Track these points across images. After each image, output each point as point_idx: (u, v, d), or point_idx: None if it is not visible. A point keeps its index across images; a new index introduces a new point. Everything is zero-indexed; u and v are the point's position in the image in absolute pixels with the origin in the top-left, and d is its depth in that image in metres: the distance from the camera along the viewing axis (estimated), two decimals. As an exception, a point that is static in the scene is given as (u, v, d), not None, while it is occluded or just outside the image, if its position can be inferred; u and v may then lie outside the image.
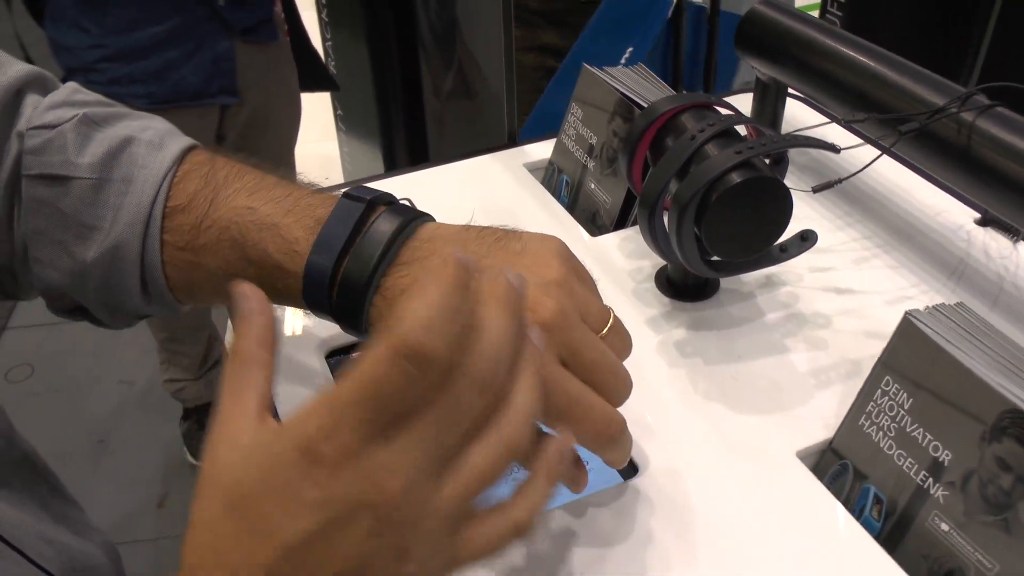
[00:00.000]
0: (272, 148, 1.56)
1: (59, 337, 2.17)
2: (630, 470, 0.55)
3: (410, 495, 0.32)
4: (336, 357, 0.66)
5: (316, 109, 2.25)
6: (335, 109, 2.53)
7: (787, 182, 0.57)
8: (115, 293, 0.52)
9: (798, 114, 0.88)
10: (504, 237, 0.47)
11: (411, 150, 1.77)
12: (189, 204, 0.51)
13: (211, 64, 1.36)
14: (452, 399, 0.33)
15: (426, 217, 0.49)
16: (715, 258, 0.60)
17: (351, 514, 0.32)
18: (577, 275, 0.46)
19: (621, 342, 0.47)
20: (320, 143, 2.75)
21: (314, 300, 0.47)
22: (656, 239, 0.60)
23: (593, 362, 0.44)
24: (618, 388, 0.45)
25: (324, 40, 2.38)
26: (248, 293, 0.37)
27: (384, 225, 0.46)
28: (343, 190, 0.49)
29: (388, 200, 0.50)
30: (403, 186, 0.83)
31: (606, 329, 0.45)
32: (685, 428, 0.57)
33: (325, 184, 0.85)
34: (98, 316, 0.55)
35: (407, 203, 0.52)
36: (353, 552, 0.32)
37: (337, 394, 0.33)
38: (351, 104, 2.35)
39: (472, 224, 0.48)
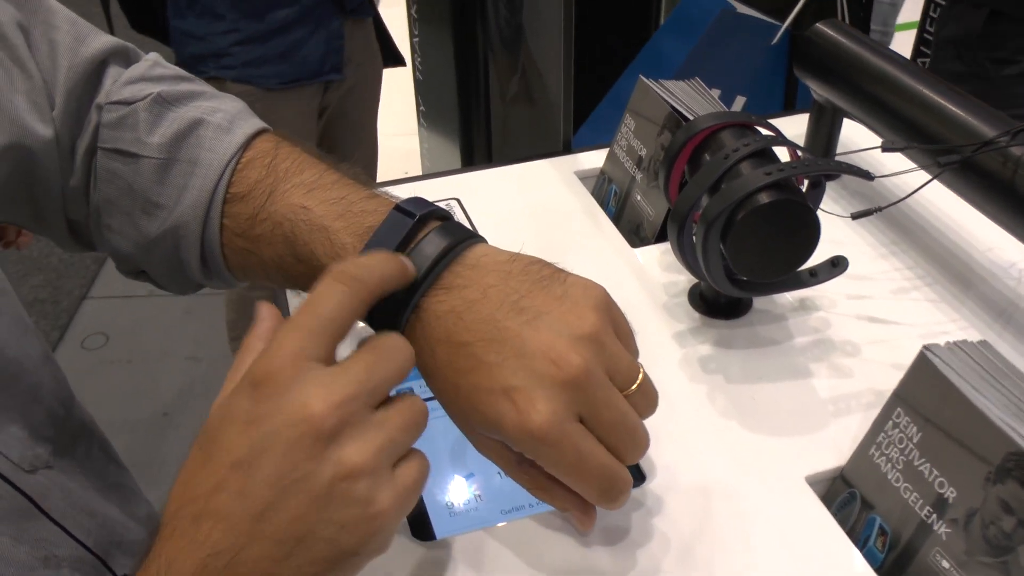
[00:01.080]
0: (362, 120, 1.68)
1: (134, 310, 2.29)
2: (636, 478, 0.57)
3: (343, 412, 0.37)
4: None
5: (399, 104, 2.31)
6: (418, 105, 2.59)
7: (834, 206, 0.58)
8: (176, 266, 0.56)
9: (854, 138, 0.88)
10: (549, 278, 0.47)
11: (486, 150, 1.82)
12: (249, 193, 0.53)
13: (325, 43, 1.47)
14: (383, 350, 0.40)
15: (475, 239, 0.49)
16: (741, 277, 0.61)
17: (289, 426, 0.36)
18: (615, 327, 0.46)
19: (646, 401, 0.47)
20: (402, 137, 2.82)
21: None
22: (684, 254, 0.62)
23: (611, 423, 0.45)
24: (633, 449, 0.46)
25: (412, 36, 2.45)
26: (263, 311, 0.46)
27: (430, 246, 0.46)
28: (399, 199, 0.50)
29: (442, 215, 0.49)
30: (457, 186, 0.86)
31: (633, 387, 0.46)
32: (697, 442, 0.59)
33: (403, 177, 0.89)
34: (160, 283, 0.59)
35: (453, 204, 0.54)
36: (297, 462, 0.36)
37: (283, 323, 0.40)
38: (433, 100, 2.40)
39: (521, 254, 0.48)
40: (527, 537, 0.54)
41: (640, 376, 0.46)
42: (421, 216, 0.48)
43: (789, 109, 1.80)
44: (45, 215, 0.57)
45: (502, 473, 0.58)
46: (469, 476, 0.59)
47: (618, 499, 0.46)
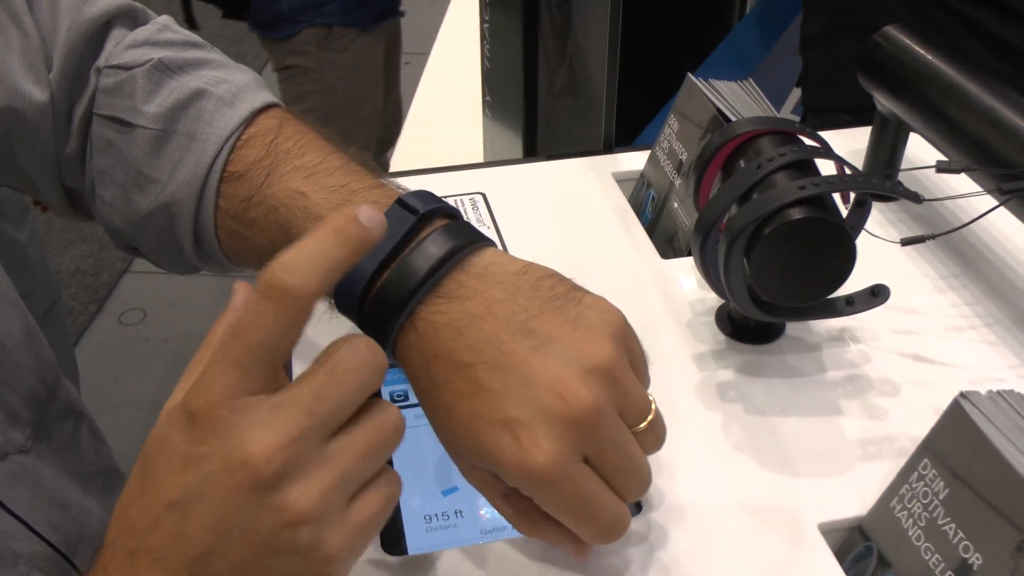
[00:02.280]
0: (396, 63, 1.94)
1: (175, 287, 2.34)
2: (634, 507, 0.55)
3: (286, 455, 0.35)
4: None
5: (464, 93, 2.31)
6: (484, 94, 2.59)
7: (889, 230, 0.55)
8: (170, 245, 0.56)
9: (921, 155, 0.84)
10: (563, 297, 0.44)
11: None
12: (246, 173, 0.51)
13: None
14: (339, 367, 0.36)
15: (484, 242, 0.46)
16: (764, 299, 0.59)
17: (226, 473, 0.34)
18: (630, 357, 0.44)
19: (654, 439, 0.46)
20: (466, 128, 2.83)
21: (344, 308, 0.47)
22: (707, 268, 0.60)
23: (617, 465, 0.43)
24: (636, 490, 0.45)
25: (483, 21, 2.45)
26: (238, 290, 0.41)
27: (433, 247, 0.44)
28: (405, 191, 0.48)
29: (449, 213, 0.47)
30: (484, 180, 0.85)
31: (643, 424, 0.44)
32: (704, 475, 0.57)
33: (431, 167, 0.88)
34: (154, 261, 0.59)
35: (478, 199, 0.51)
36: (236, 509, 0.35)
37: (214, 348, 0.36)
38: (499, 90, 2.40)
39: (534, 264, 0.46)
40: (508, 561, 0.52)
41: (652, 414, 0.45)
42: (425, 213, 0.45)
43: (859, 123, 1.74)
44: (38, 181, 0.57)
45: (488, 491, 0.57)
46: (452, 490, 0.58)
47: (615, 538, 0.45)
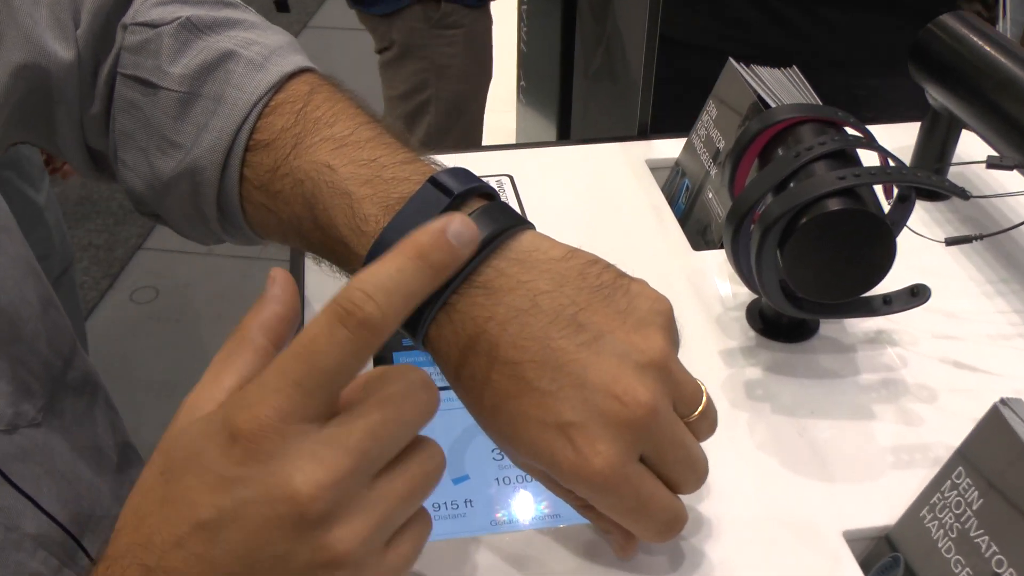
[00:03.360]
0: None
1: (190, 266, 2.37)
2: None
3: (335, 494, 0.34)
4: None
5: (499, 78, 2.32)
6: (519, 80, 2.59)
7: (934, 229, 0.55)
8: (193, 213, 0.55)
9: (971, 151, 0.83)
10: (611, 286, 0.44)
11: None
12: (273, 142, 0.51)
13: None
14: (394, 405, 0.36)
15: (524, 225, 0.45)
16: (798, 294, 0.59)
17: (268, 503, 0.34)
18: (675, 347, 0.45)
19: (708, 426, 0.46)
20: (499, 114, 2.84)
21: None
22: (739, 260, 0.60)
23: (675, 460, 0.43)
24: (694, 481, 0.45)
25: (520, 3, 2.45)
26: (276, 278, 0.41)
27: None
28: (440, 167, 0.47)
29: (486, 193, 0.46)
30: (512, 162, 0.86)
31: (696, 412, 0.45)
32: (726, 476, 0.57)
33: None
34: (177, 229, 0.59)
35: (505, 181, 0.50)
36: (272, 541, 0.34)
37: (272, 365, 0.35)
38: (534, 75, 2.40)
39: (578, 250, 0.45)
40: (517, 553, 0.53)
41: (704, 400, 0.45)
42: (460, 193, 0.44)
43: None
44: (62, 141, 0.57)
45: (502, 481, 0.57)
46: (463, 479, 0.58)
47: (673, 536, 0.46)
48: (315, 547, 0.34)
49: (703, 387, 0.45)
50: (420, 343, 0.45)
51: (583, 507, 0.47)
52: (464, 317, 0.43)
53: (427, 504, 0.55)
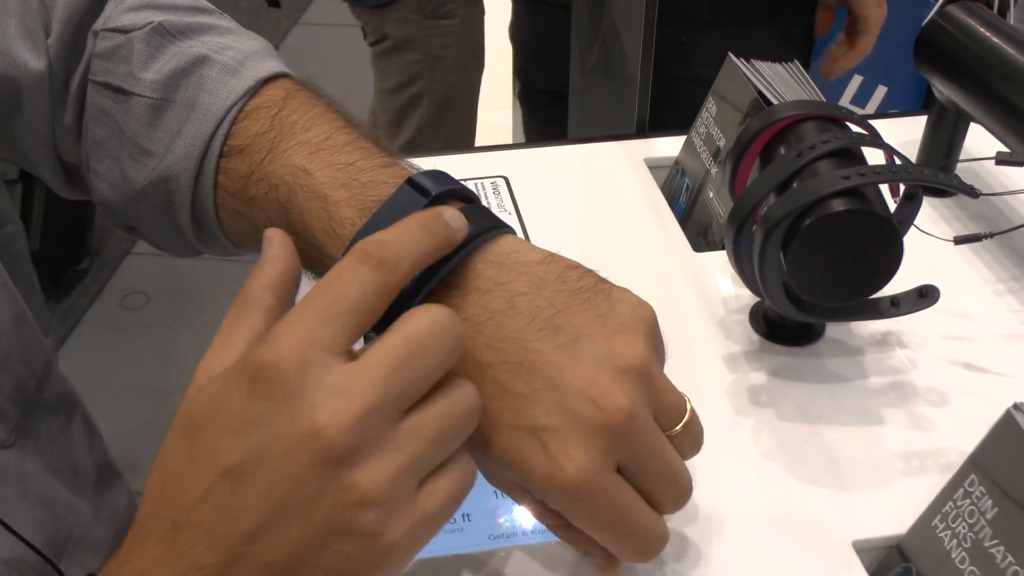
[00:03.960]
0: None
1: (181, 271, 2.37)
2: None
3: (360, 429, 0.34)
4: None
5: (496, 73, 2.32)
6: (515, 76, 2.59)
7: (943, 227, 0.54)
8: (167, 224, 0.55)
9: (981, 147, 0.83)
10: (591, 290, 0.44)
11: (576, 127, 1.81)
12: (247, 147, 0.51)
13: None
14: (420, 339, 0.36)
15: (502, 229, 0.45)
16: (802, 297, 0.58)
17: (292, 440, 0.34)
18: (658, 355, 0.44)
19: (692, 441, 0.45)
20: (495, 110, 2.83)
21: None
22: (740, 262, 0.60)
23: (654, 473, 0.42)
24: (675, 500, 0.44)
25: (514, -3, 2.45)
26: (274, 238, 0.41)
27: None
28: (418, 171, 0.47)
29: (464, 195, 0.46)
30: (508, 163, 0.85)
31: (679, 427, 0.43)
32: (731, 484, 0.56)
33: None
34: (152, 242, 0.59)
35: (500, 183, 0.50)
36: (298, 482, 0.34)
37: (291, 308, 0.36)
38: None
39: (557, 255, 0.45)
40: (517, 569, 0.52)
41: (688, 414, 0.44)
42: (437, 195, 0.44)
43: (926, 108, 1.73)
44: (33, 154, 0.57)
45: (499, 494, 0.57)
46: (460, 492, 0.58)
47: (651, 557, 0.44)
48: (342, 486, 0.34)
49: (688, 401, 0.44)
50: None
51: (559, 525, 0.46)
52: None
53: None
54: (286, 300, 0.40)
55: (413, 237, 0.39)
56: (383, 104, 1.82)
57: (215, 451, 0.35)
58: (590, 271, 0.45)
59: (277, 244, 0.41)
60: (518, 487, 0.44)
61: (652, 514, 0.43)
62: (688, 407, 0.44)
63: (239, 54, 0.53)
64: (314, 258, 0.47)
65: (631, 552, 0.44)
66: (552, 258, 0.45)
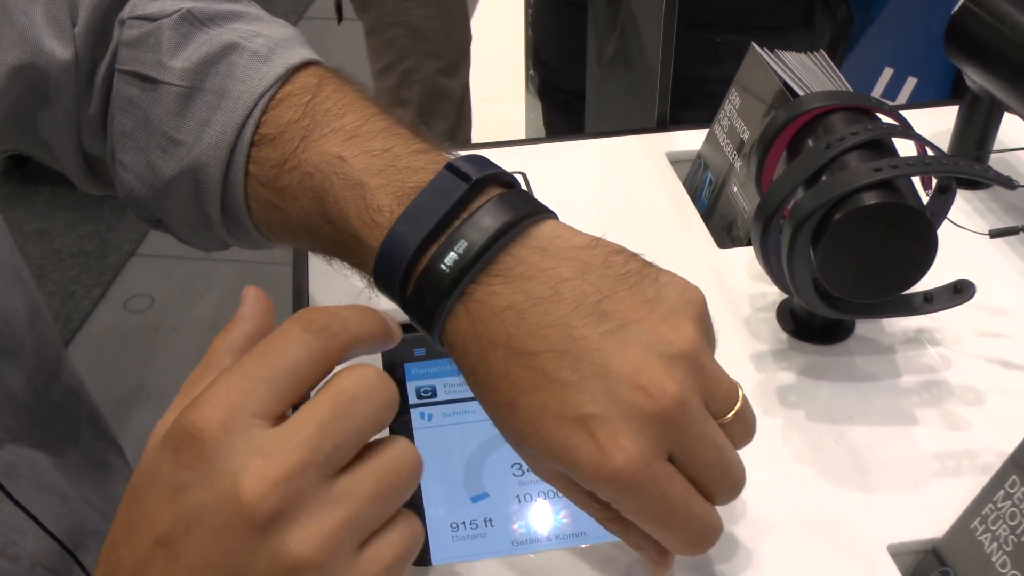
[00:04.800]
0: None
1: (186, 273, 2.37)
2: None
3: (286, 491, 0.33)
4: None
5: (505, 65, 2.32)
6: (527, 68, 2.59)
7: (977, 220, 0.54)
8: (195, 216, 0.55)
9: (1015, 137, 0.83)
10: (637, 274, 0.44)
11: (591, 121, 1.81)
12: (279, 135, 0.51)
13: None
14: (347, 398, 0.36)
15: (545, 214, 0.45)
16: (832, 293, 0.58)
17: (217, 507, 0.33)
18: (708, 341, 0.44)
19: (744, 429, 0.45)
20: (505, 104, 2.84)
21: (386, 286, 0.46)
22: (768, 258, 0.60)
23: (706, 462, 0.42)
24: (728, 490, 0.44)
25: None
26: (248, 296, 0.41)
27: (488, 218, 0.43)
28: (456, 156, 0.47)
29: (506, 181, 0.46)
30: (525, 158, 0.85)
31: (731, 414, 0.43)
32: (761, 488, 0.56)
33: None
34: (179, 235, 0.59)
35: (521, 180, 0.50)
36: (228, 551, 0.34)
37: (228, 369, 0.36)
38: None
39: (602, 239, 0.45)
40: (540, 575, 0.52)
41: (740, 401, 0.44)
42: (478, 180, 0.44)
43: (954, 98, 1.72)
44: (57, 147, 0.57)
45: (523, 498, 0.57)
46: (481, 496, 0.58)
47: (706, 549, 0.44)
48: (274, 553, 0.34)
49: (740, 388, 0.44)
50: (437, 339, 0.45)
51: (609, 519, 0.46)
52: (481, 306, 0.43)
53: (443, 525, 0.56)
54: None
55: (360, 316, 0.39)
56: (377, 87, 1.86)
57: (149, 521, 0.35)
58: (636, 255, 0.45)
59: (250, 303, 0.41)
60: (566, 479, 0.44)
61: (705, 504, 0.43)
62: (740, 394, 0.44)
63: (269, 41, 0.53)
64: (351, 248, 0.48)
65: (684, 544, 0.44)
66: (596, 242, 0.45)
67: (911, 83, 1.80)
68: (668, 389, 0.40)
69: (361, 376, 0.36)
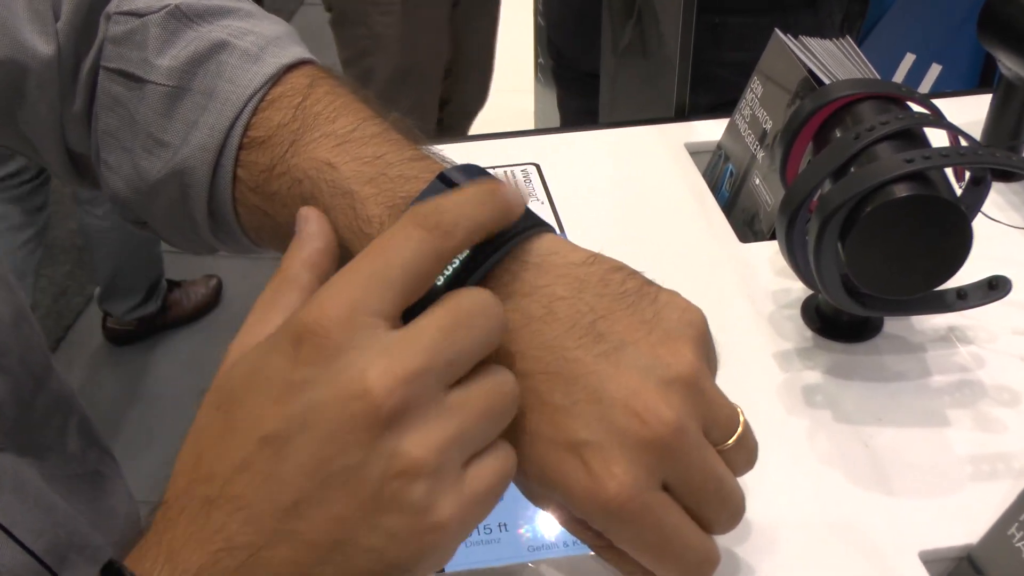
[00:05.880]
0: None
1: (184, 267, 2.37)
2: None
3: (409, 391, 0.35)
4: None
5: (514, 54, 2.32)
6: (536, 56, 2.59)
7: (1011, 213, 0.54)
8: (182, 220, 0.55)
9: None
10: (636, 293, 0.43)
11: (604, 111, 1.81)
12: (269, 139, 0.51)
13: None
14: (466, 313, 0.37)
15: (541, 227, 0.45)
16: (862, 289, 0.58)
17: (339, 401, 0.34)
18: (708, 364, 0.43)
19: (746, 456, 0.44)
20: (513, 94, 2.84)
21: None
22: (794, 253, 0.60)
23: (703, 491, 0.42)
24: (726, 519, 0.43)
25: (536, -30, 2.45)
26: (310, 215, 0.43)
27: None
28: (451, 164, 0.47)
29: None
30: (538, 149, 0.85)
31: (731, 441, 0.43)
32: (787, 493, 0.56)
33: (474, 134, 0.88)
34: (165, 238, 0.59)
35: (531, 170, 0.49)
36: (344, 448, 0.34)
37: (345, 268, 0.37)
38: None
39: (600, 255, 0.45)
40: (555, 584, 0.53)
41: (740, 427, 0.43)
42: None
43: (983, 87, 1.71)
44: (40, 144, 0.57)
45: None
46: (495, 500, 0.58)
47: None
48: (389, 454, 0.34)
49: (741, 413, 0.44)
50: None
51: (602, 547, 0.45)
52: None
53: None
54: (326, 278, 0.40)
55: (471, 204, 0.39)
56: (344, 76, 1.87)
57: (255, 420, 0.35)
58: (635, 273, 0.44)
59: (315, 220, 0.42)
60: (558, 505, 0.44)
61: (701, 535, 0.43)
62: (741, 419, 0.44)
63: (261, 39, 0.53)
64: (340, 260, 0.47)
65: (679, 575, 0.43)
66: (594, 259, 0.44)
67: (935, 70, 1.78)
68: (664, 415, 0.40)
69: (478, 294, 0.38)
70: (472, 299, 0.38)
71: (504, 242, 0.42)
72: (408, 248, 0.37)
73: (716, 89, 0.81)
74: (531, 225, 0.44)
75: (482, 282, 0.42)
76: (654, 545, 0.42)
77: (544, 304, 0.42)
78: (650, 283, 0.44)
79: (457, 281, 0.41)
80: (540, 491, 0.43)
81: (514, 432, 0.41)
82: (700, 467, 0.41)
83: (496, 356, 0.41)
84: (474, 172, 0.45)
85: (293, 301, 0.40)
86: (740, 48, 0.83)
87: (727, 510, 0.43)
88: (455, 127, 2.18)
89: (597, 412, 0.40)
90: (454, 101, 2.14)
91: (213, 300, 2.27)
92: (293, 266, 0.41)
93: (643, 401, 0.40)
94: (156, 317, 2.21)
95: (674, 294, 0.44)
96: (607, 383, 0.41)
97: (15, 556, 0.51)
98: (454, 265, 0.42)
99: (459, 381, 0.37)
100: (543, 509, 0.46)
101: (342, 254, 0.46)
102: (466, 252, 0.42)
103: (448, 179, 0.45)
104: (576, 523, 0.44)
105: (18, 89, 0.54)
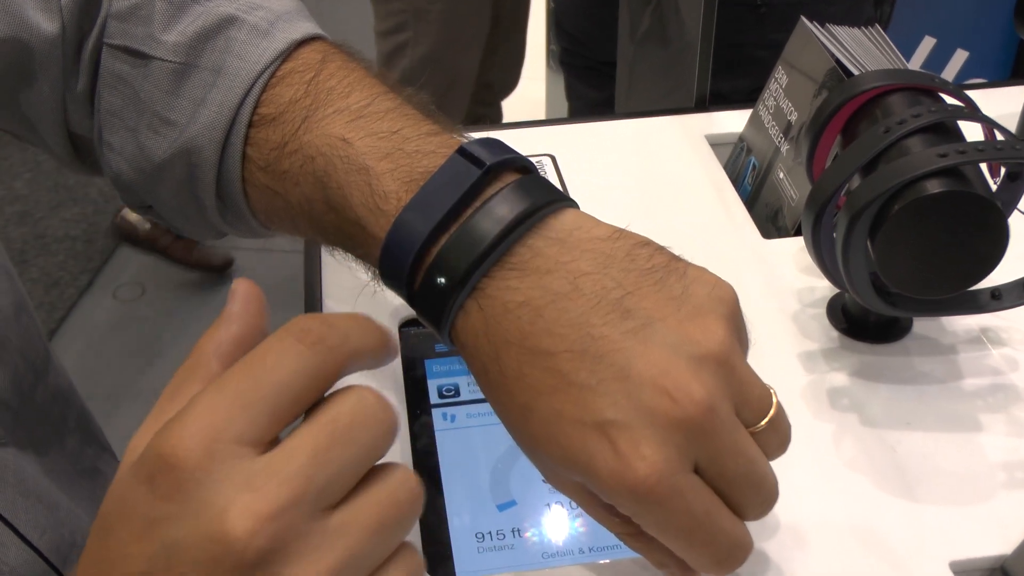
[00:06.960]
0: None
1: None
2: None
3: (277, 528, 0.32)
4: (412, 328, 0.69)
5: (527, 45, 2.32)
6: (548, 43, 2.59)
7: None
8: (188, 202, 0.55)
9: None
10: (664, 269, 0.43)
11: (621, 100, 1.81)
12: (280, 116, 0.51)
13: None
14: (343, 425, 0.34)
15: (564, 202, 0.45)
16: (892, 289, 0.58)
17: (199, 545, 0.32)
18: (739, 342, 0.43)
19: (779, 439, 0.44)
20: (526, 82, 2.83)
21: (392, 279, 0.46)
22: (821, 251, 0.60)
23: (736, 474, 0.42)
24: (759, 504, 0.44)
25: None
26: (237, 291, 0.39)
27: (503, 206, 0.43)
28: (469, 139, 0.47)
29: (521, 166, 0.46)
30: (554, 140, 0.85)
31: (764, 422, 0.43)
32: (811, 498, 0.56)
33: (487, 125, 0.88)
34: (171, 222, 0.59)
35: (545, 162, 0.49)
36: None
37: (209, 384, 0.34)
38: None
39: (626, 231, 0.45)
40: (571, 591, 0.53)
41: (773, 408, 0.43)
42: (492, 165, 0.44)
43: (1016, 78, 1.70)
44: (40, 126, 0.57)
45: (553, 505, 0.57)
46: (509, 504, 0.58)
47: (733, 568, 0.44)
48: None
49: (774, 393, 0.44)
50: (446, 336, 0.45)
51: (629, 534, 0.45)
52: (494, 303, 0.43)
53: (468, 535, 0.56)
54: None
55: (360, 327, 0.37)
56: (376, 46, 1.91)
57: (123, 558, 0.33)
58: (662, 248, 0.45)
59: (240, 300, 0.39)
60: (583, 490, 0.44)
61: (733, 519, 0.43)
62: (774, 400, 0.44)
63: (270, 14, 0.53)
64: (355, 238, 0.48)
65: (710, 562, 0.43)
66: (620, 234, 0.44)
67: (960, 56, 1.75)
68: (695, 394, 0.40)
69: (359, 399, 0.35)
70: (353, 406, 0.35)
71: (525, 217, 0.42)
72: (284, 365, 0.34)
73: (756, 73, 0.80)
74: (553, 200, 0.44)
75: (504, 259, 0.43)
76: (684, 530, 0.41)
77: (569, 280, 0.42)
78: (678, 258, 0.44)
79: (477, 261, 0.42)
80: (564, 474, 0.43)
81: (540, 414, 0.42)
82: (732, 448, 0.41)
83: (519, 335, 0.42)
84: (495, 147, 0.46)
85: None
86: (783, 29, 0.83)
87: (760, 494, 0.43)
88: (490, 108, 2.23)
89: (625, 390, 0.40)
90: (488, 81, 2.15)
91: (219, 267, 2.32)
92: (205, 352, 0.38)
93: (673, 379, 0.40)
94: (167, 236, 2.26)
95: (703, 270, 0.44)
96: (635, 361, 0.41)
97: (20, 554, 0.51)
98: (480, 247, 0.42)
99: (346, 496, 0.35)
100: (566, 495, 0.46)
101: (359, 235, 0.47)
102: (491, 237, 0.42)
103: (469, 153, 0.45)
104: (602, 509, 0.44)
105: (21, 69, 0.54)
